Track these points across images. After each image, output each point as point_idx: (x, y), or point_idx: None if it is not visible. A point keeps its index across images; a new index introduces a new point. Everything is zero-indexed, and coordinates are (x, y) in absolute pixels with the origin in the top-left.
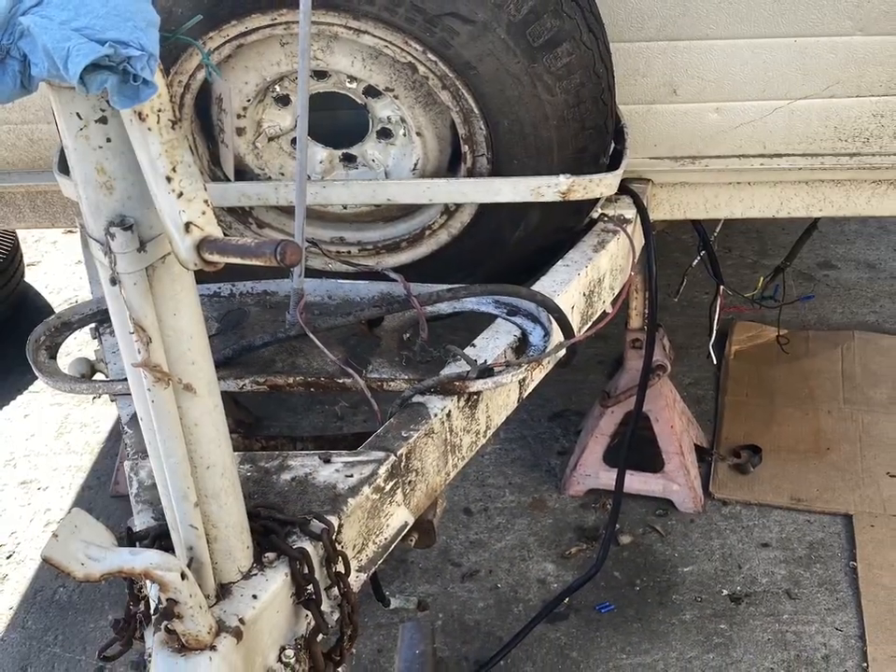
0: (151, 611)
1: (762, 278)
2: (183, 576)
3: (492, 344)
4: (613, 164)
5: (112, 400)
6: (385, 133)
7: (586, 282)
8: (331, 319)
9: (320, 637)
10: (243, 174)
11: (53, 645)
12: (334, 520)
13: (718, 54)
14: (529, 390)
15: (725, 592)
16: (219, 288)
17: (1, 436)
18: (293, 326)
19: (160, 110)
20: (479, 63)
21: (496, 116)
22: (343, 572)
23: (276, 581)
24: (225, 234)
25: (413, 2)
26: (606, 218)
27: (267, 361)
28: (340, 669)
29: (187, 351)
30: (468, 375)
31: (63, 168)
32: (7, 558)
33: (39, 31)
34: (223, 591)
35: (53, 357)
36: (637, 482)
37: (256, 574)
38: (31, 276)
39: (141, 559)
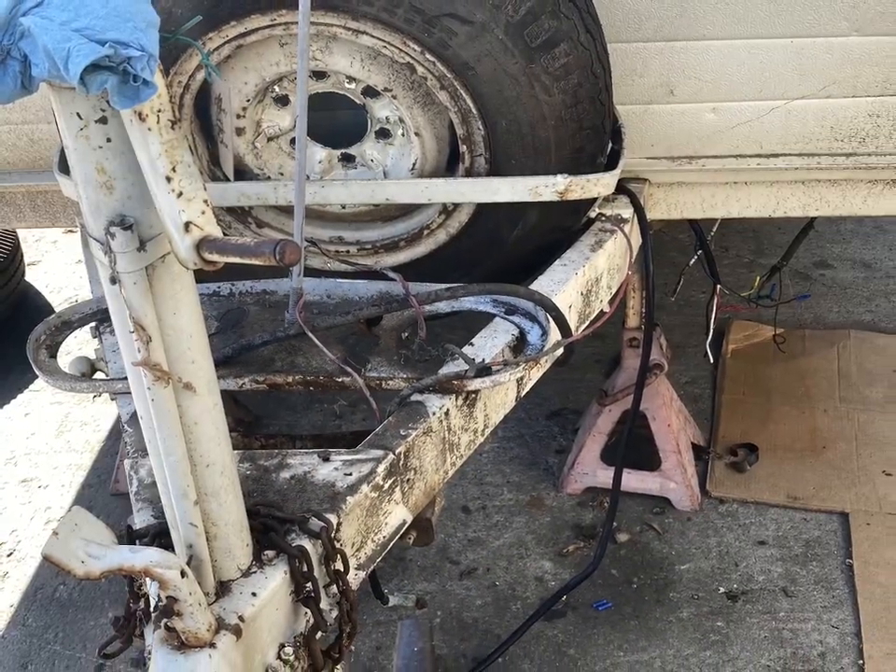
0: (151, 609)
1: (758, 277)
2: (183, 574)
3: (490, 343)
4: (610, 164)
5: (112, 399)
6: (383, 133)
7: (584, 281)
8: (330, 318)
9: (319, 634)
10: (242, 173)
11: (53, 642)
12: (333, 518)
13: (715, 55)
14: (527, 389)
15: (722, 589)
16: (219, 288)
17: (2, 434)
18: (292, 325)
19: (159, 110)
20: (477, 64)
21: (494, 116)
22: (342, 570)
23: (275, 579)
24: (224, 234)
25: (411, 3)
26: (603, 218)
27: (266, 360)
28: (339, 666)
29: (186, 350)
30: (466, 374)
31: (64, 168)
32: (8, 556)
33: (40, 31)
34: (223, 588)
35: (54, 355)
36: (634, 480)
37: (255, 572)
38: (31, 276)
39: (141, 557)
